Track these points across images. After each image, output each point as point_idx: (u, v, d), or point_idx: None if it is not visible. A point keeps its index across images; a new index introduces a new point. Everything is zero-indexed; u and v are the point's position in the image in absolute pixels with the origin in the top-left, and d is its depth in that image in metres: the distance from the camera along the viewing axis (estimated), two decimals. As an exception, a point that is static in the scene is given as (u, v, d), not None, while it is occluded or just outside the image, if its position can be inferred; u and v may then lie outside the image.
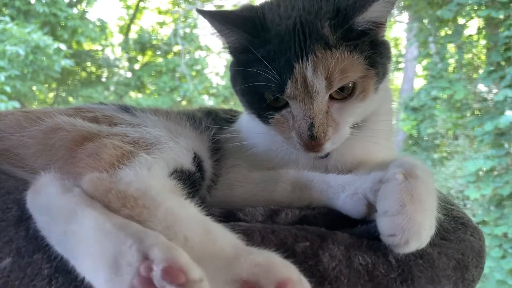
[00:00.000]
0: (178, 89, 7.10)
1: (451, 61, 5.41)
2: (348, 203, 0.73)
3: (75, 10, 6.90)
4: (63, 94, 7.56)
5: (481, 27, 5.28)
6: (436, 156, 5.63)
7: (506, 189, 4.19)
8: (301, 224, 0.70)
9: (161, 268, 0.44)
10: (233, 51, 0.87)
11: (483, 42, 5.41)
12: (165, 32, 8.09)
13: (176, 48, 7.70)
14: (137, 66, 7.95)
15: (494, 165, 4.31)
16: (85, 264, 0.52)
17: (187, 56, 7.68)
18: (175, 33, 7.50)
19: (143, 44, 7.82)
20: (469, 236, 0.73)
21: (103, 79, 7.79)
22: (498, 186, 4.26)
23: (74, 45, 6.83)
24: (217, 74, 7.94)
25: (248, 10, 0.85)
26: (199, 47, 7.83)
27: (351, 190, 0.73)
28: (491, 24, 4.93)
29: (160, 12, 7.99)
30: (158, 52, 8.02)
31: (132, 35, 8.00)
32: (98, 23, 7.12)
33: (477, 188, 4.38)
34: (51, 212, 0.56)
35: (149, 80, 7.56)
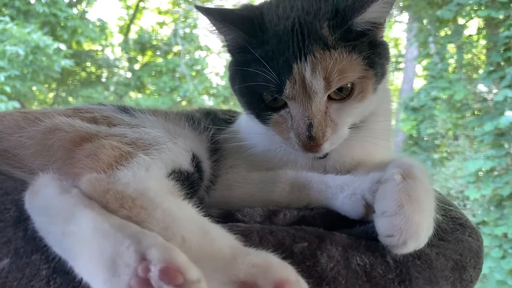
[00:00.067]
0: (178, 89, 7.10)
1: (451, 61, 5.42)
2: (347, 204, 0.73)
3: (75, 10, 6.90)
4: (63, 94, 7.56)
5: (481, 27, 5.29)
6: (436, 156, 5.63)
7: (506, 190, 4.20)
8: (300, 224, 0.70)
9: (158, 268, 0.44)
10: (231, 50, 0.87)
11: (483, 42, 5.41)
12: (165, 32, 8.10)
13: (176, 48, 7.70)
14: (137, 66, 7.95)
15: (494, 165, 4.31)
16: (83, 264, 0.52)
17: (187, 56, 7.68)
18: (175, 33, 7.50)
19: (143, 44, 7.82)
20: (467, 236, 0.73)
21: (103, 79, 7.80)
22: (498, 187, 4.26)
23: (74, 45, 6.83)
24: (217, 74, 7.95)
25: (247, 9, 0.85)
26: (199, 47, 7.83)
27: (350, 190, 0.73)
28: (491, 24, 4.93)
29: (160, 12, 7.99)
30: (158, 52, 8.02)
31: (132, 35, 8.00)
32: (98, 23, 7.12)
33: (477, 189, 4.38)
34: (49, 212, 0.56)
35: (149, 80, 7.56)
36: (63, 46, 5.53)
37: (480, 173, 4.49)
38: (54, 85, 7.19)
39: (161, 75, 7.23)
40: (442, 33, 5.38)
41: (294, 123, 0.78)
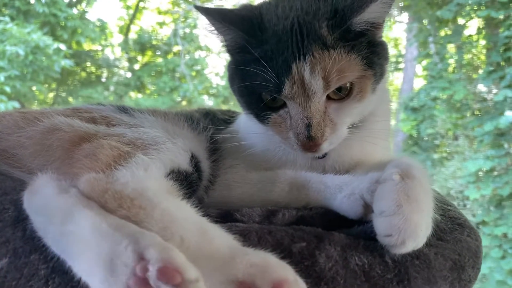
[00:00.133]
0: (178, 89, 7.10)
1: (451, 61, 5.41)
2: (345, 204, 0.73)
3: (75, 10, 6.89)
4: (63, 94, 7.56)
5: (481, 27, 5.29)
6: (436, 156, 5.63)
7: (506, 190, 4.20)
8: (298, 224, 0.70)
9: (156, 268, 0.44)
10: (230, 49, 0.87)
11: (483, 42, 5.41)
12: (165, 32, 8.10)
13: (176, 48, 7.70)
14: (137, 66, 7.95)
15: (494, 165, 4.31)
16: (82, 264, 0.52)
17: (187, 56, 7.68)
18: (175, 33, 7.50)
19: (143, 44, 7.81)
20: (466, 236, 0.73)
21: (103, 79, 7.79)
22: (498, 187, 4.26)
23: (74, 45, 6.83)
24: (217, 74, 7.94)
25: (246, 9, 0.85)
26: (199, 47, 7.83)
27: (348, 190, 0.73)
28: (491, 24, 4.93)
29: (160, 12, 7.99)
30: (158, 52, 8.02)
31: (132, 35, 8.00)
32: (98, 23, 7.12)
33: (477, 189, 4.38)
34: (47, 212, 0.56)
35: (149, 80, 7.56)
36: (63, 46, 5.53)
37: (480, 173, 4.49)
38: (54, 85, 7.19)
39: (161, 75, 7.23)
40: (442, 33, 5.38)
41: (293, 123, 0.78)
